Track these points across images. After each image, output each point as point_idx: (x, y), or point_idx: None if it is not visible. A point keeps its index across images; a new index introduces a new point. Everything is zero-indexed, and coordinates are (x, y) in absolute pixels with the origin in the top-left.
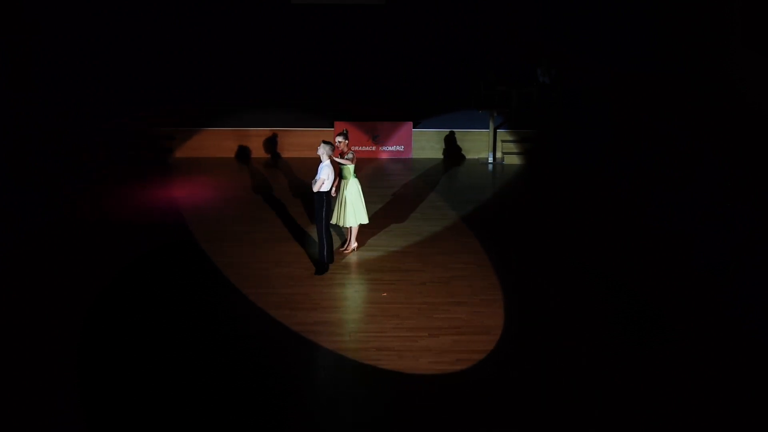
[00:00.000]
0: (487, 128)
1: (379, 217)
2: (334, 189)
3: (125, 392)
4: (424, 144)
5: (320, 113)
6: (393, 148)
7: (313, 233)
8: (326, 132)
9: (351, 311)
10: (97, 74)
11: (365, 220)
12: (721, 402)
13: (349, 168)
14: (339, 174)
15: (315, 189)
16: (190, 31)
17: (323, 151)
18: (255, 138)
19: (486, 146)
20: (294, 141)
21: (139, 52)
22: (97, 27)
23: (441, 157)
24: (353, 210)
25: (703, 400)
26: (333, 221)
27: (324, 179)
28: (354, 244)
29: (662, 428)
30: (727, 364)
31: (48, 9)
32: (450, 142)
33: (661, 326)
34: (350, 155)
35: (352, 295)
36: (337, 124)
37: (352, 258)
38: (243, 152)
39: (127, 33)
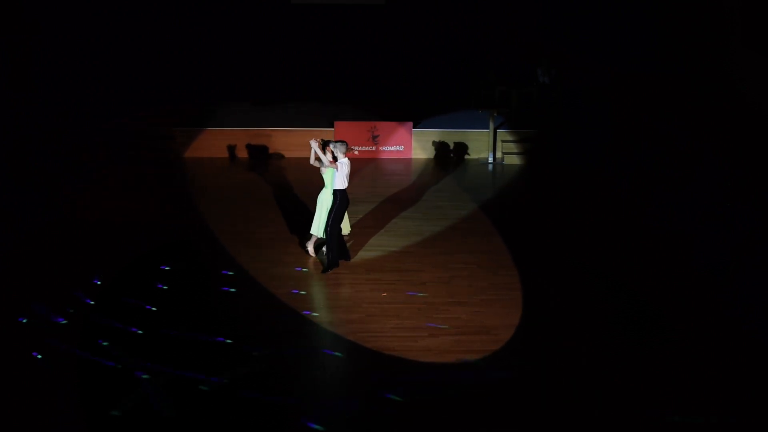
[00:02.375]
0: (487, 128)
1: (380, 217)
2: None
3: (125, 392)
4: (424, 144)
5: (320, 113)
6: (393, 148)
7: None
8: (326, 132)
9: (351, 311)
10: (97, 74)
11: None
12: (721, 402)
13: (330, 175)
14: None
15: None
16: (190, 31)
17: (337, 151)
18: (255, 138)
19: (486, 146)
20: (294, 141)
21: (139, 52)
22: (97, 27)
23: (441, 157)
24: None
25: (703, 400)
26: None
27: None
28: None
29: (662, 428)
30: (727, 364)
31: (48, 9)
32: (450, 142)
33: (661, 326)
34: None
35: (352, 295)
36: (337, 124)
37: (353, 258)
38: (243, 152)
39: (127, 33)
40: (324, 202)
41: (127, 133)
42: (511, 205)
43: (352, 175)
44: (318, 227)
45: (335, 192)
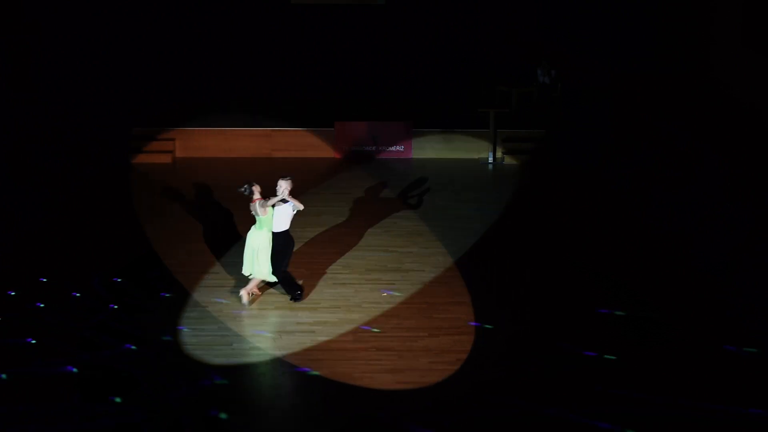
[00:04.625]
0: (487, 128)
1: (380, 217)
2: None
3: (124, 392)
4: (424, 144)
5: (320, 113)
6: (393, 148)
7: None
8: (326, 132)
9: (351, 311)
10: (97, 74)
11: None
12: (721, 402)
13: (270, 215)
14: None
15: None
16: (190, 31)
17: (283, 189)
18: (254, 138)
19: (486, 146)
20: (293, 141)
21: (138, 52)
22: (97, 27)
23: (441, 157)
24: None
25: (703, 400)
26: (247, 272)
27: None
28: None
29: (662, 428)
30: (727, 364)
31: (48, 9)
32: (450, 142)
33: (661, 326)
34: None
35: (352, 295)
36: (337, 124)
37: (353, 258)
38: (242, 152)
39: (127, 33)
40: (260, 245)
41: (127, 133)
42: (511, 205)
43: (353, 177)
44: (252, 267)
45: (282, 234)
